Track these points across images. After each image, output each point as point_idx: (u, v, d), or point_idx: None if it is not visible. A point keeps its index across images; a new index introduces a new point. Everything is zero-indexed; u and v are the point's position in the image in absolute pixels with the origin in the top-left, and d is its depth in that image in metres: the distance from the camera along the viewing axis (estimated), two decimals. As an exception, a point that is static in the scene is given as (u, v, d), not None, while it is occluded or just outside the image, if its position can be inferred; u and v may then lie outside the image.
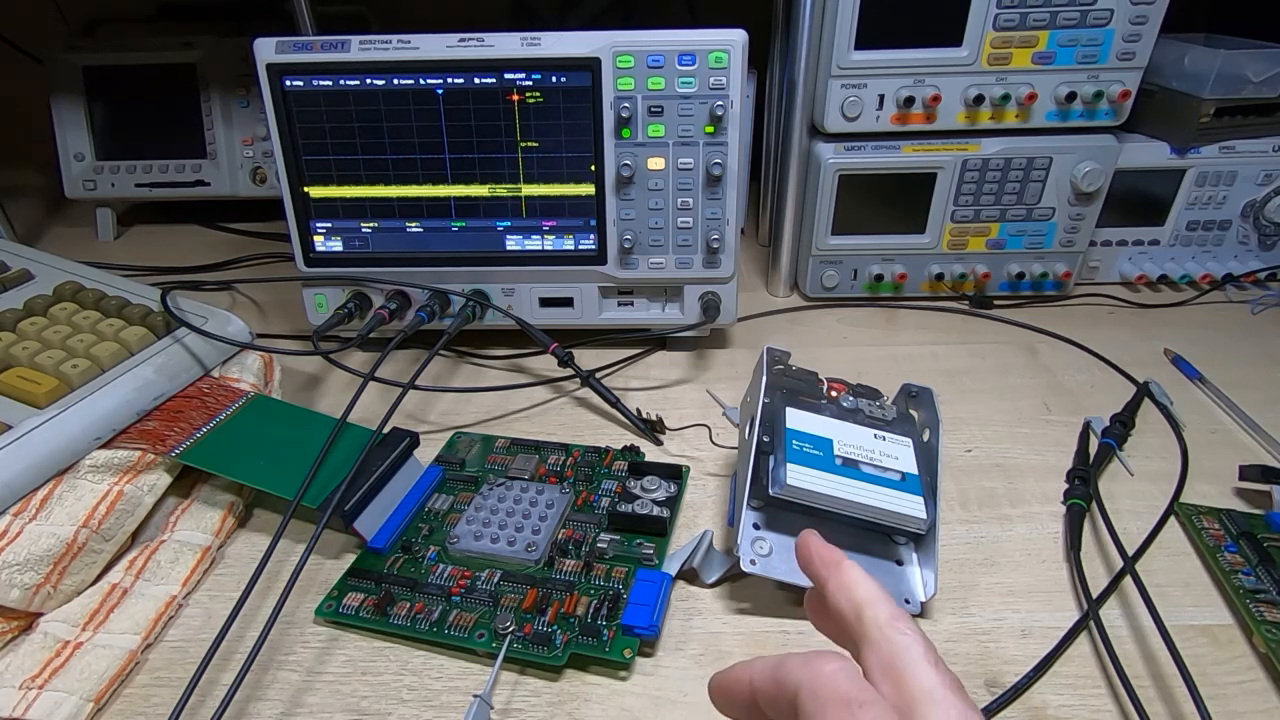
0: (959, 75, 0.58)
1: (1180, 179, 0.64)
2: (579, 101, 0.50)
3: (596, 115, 0.50)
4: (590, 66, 0.49)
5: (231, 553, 0.41)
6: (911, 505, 0.36)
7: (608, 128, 0.51)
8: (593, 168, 0.52)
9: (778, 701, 0.20)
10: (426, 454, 0.46)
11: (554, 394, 0.54)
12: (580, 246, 0.54)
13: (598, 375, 0.52)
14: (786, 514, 0.38)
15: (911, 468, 0.38)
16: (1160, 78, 0.62)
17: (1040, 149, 0.60)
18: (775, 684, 0.21)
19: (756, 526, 0.38)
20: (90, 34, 0.86)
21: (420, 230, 0.54)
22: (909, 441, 0.39)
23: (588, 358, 0.56)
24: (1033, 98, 0.58)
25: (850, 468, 0.37)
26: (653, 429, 0.49)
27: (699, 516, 0.43)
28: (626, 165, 0.51)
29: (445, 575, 0.37)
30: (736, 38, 0.49)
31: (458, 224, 0.54)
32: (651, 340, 0.60)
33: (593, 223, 0.54)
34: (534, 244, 0.55)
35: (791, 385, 0.42)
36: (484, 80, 0.50)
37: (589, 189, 0.53)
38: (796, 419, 0.39)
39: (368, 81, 0.50)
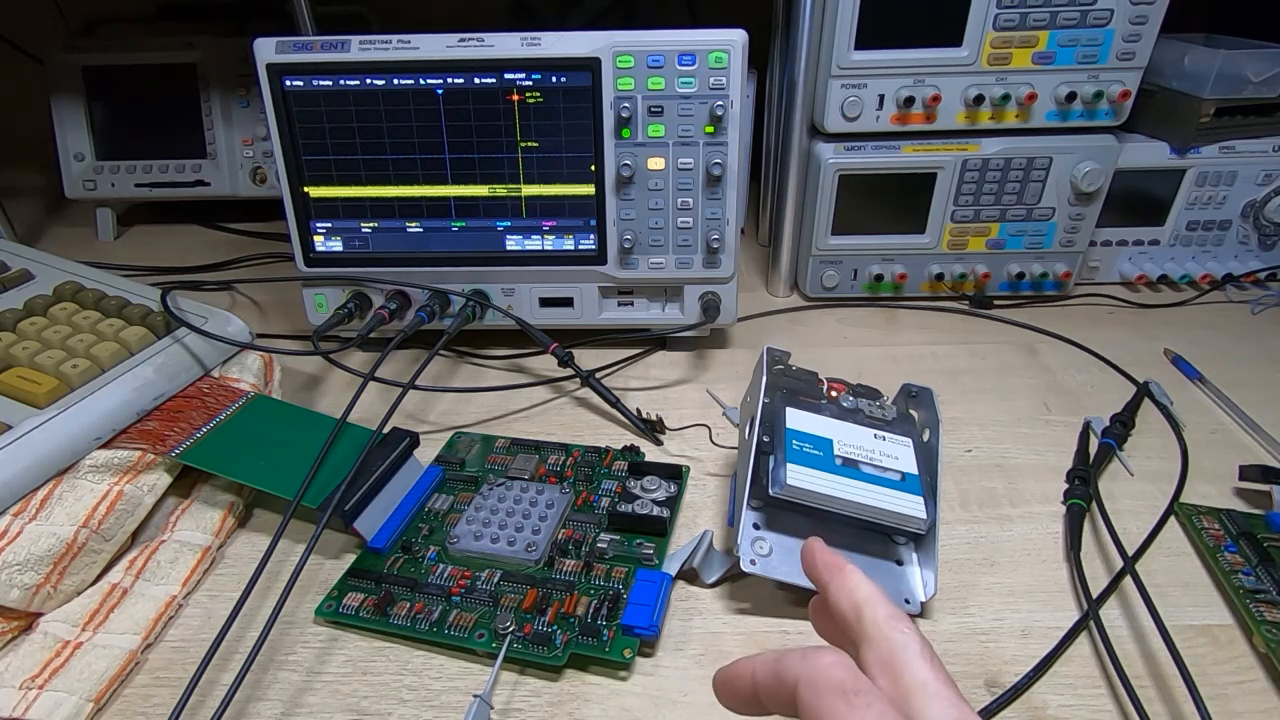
0: (959, 75, 0.58)
1: (1180, 179, 0.64)
2: (579, 101, 0.50)
3: (596, 115, 0.50)
4: (590, 66, 0.49)
5: (231, 553, 0.41)
6: (911, 505, 0.36)
7: (608, 128, 0.51)
8: (593, 168, 0.52)
9: (778, 694, 0.21)
10: (426, 454, 0.46)
11: (554, 394, 0.54)
12: (580, 246, 0.54)
13: (598, 375, 0.52)
14: (786, 514, 0.38)
15: (911, 468, 0.38)
16: (1160, 78, 0.62)
17: (1040, 149, 0.60)
18: (775, 677, 0.21)
19: (756, 526, 0.38)
20: (90, 34, 0.86)
21: (420, 230, 0.54)
22: (909, 441, 0.39)
23: (588, 358, 0.56)
24: (1033, 98, 0.58)
25: (850, 468, 0.37)
26: (653, 429, 0.49)
27: (699, 516, 0.43)
28: (626, 165, 0.51)
29: (445, 575, 0.37)
30: (736, 38, 0.49)
31: (458, 224, 0.54)
32: (651, 340, 0.60)
33: (593, 223, 0.54)
34: (534, 244, 0.55)
35: (791, 385, 0.42)
36: (484, 80, 0.50)
37: (589, 189, 0.53)
38: (796, 419, 0.39)
39: (368, 81, 0.50)
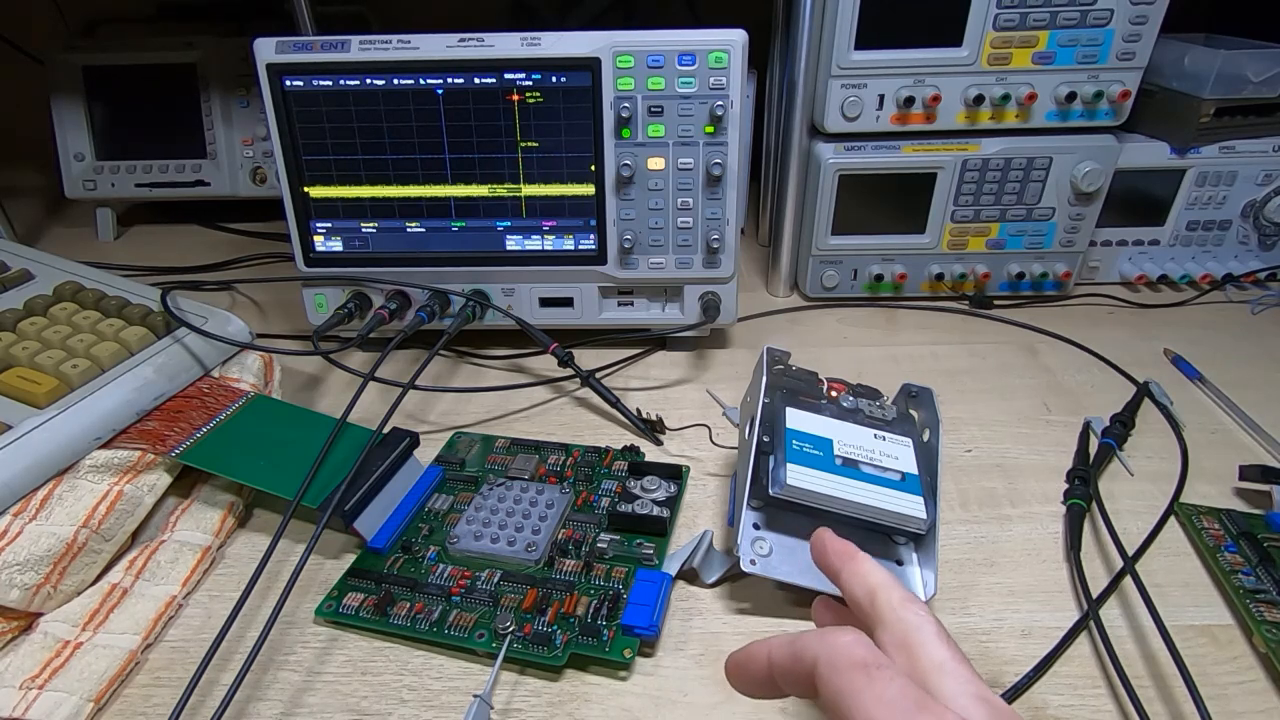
0: (959, 75, 0.58)
1: (1180, 179, 0.64)
2: (579, 101, 0.50)
3: (596, 115, 0.50)
4: (590, 66, 0.49)
5: (231, 553, 0.41)
6: (911, 505, 0.36)
7: (608, 128, 0.51)
8: (593, 168, 0.52)
9: (795, 674, 0.21)
10: (426, 454, 0.46)
11: (554, 394, 0.54)
12: (580, 246, 0.54)
13: (598, 375, 0.52)
14: (786, 514, 0.38)
15: (911, 468, 0.38)
16: (1160, 78, 0.62)
17: (1040, 149, 0.60)
18: (793, 657, 0.21)
19: (756, 526, 0.38)
20: (90, 34, 0.86)
21: (420, 230, 0.54)
22: (909, 441, 0.39)
23: (588, 358, 0.56)
24: (1033, 98, 0.58)
25: (850, 468, 0.37)
26: (653, 429, 0.49)
27: (699, 516, 0.43)
28: (626, 165, 0.51)
29: (445, 575, 0.37)
30: (736, 38, 0.49)
31: (458, 224, 0.54)
32: (651, 340, 0.60)
33: (593, 223, 0.54)
34: (534, 244, 0.54)
35: (791, 385, 0.41)
36: (484, 80, 0.50)
37: (589, 189, 0.53)
38: (796, 419, 0.39)
39: (368, 81, 0.50)
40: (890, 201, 0.63)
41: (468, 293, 0.55)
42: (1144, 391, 0.52)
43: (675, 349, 0.60)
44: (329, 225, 0.54)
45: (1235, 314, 0.64)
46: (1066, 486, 0.44)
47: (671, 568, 0.37)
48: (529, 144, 0.52)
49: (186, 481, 0.42)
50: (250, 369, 0.48)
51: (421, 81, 0.50)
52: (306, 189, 0.53)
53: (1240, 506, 0.43)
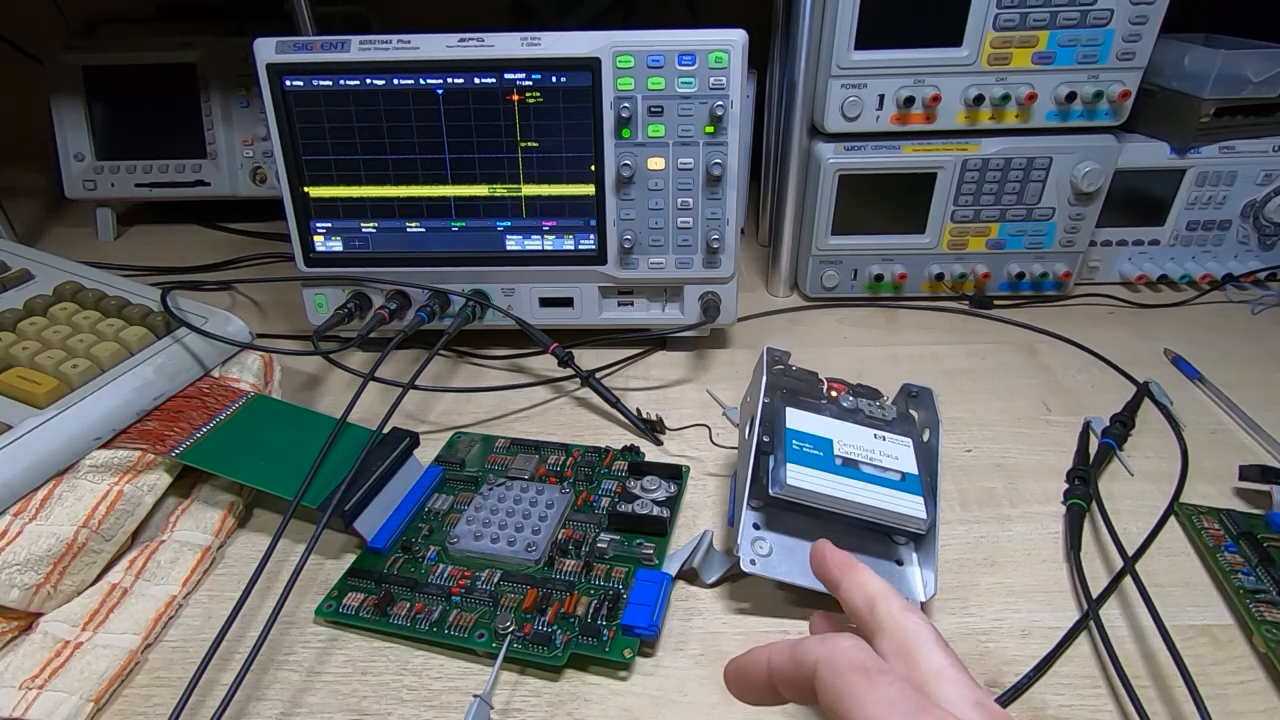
0: (959, 75, 0.58)
1: (1180, 179, 0.64)
2: (579, 101, 0.50)
3: (596, 115, 0.50)
4: (590, 66, 0.49)
5: (231, 553, 0.41)
6: (911, 505, 0.36)
7: (608, 128, 0.51)
8: (593, 168, 0.52)
9: (795, 679, 0.22)
10: (426, 454, 0.46)
11: (554, 394, 0.54)
12: (580, 246, 0.54)
13: (598, 375, 0.52)
14: (786, 514, 0.38)
15: (911, 468, 0.38)
16: (1160, 78, 0.62)
17: (1040, 149, 0.60)
18: (793, 662, 0.22)
19: (756, 526, 0.38)
20: (90, 34, 0.86)
21: (420, 230, 0.54)
22: (909, 441, 0.39)
23: (588, 358, 0.56)
24: (1033, 98, 0.58)
25: (850, 468, 0.37)
26: (653, 429, 0.49)
27: (699, 516, 0.43)
28: (626, 165, 0.51)
29: (445, 575, 0.37)
30: (736, 38, 0.49)
31: (458, 224, 0.54)
32: (651, 340, 0.60)
33: (593, 223, 0.54)
34: (534, 244, 0.54)
35: (791, 385, 0.41)
36: (484, 80, 0.50)
37: (589, 189, 0.53)
38: (796, 419, 0.39)
39: (368, 81, 0.50)
40: (890, 201, 0.63)
41: (468, 293, 0.55)
42: (1144, 391, 0.52)
43: (675, 349, 0.60)
44: (329, 225, 0.54)
45: (1235, 314, 0.64)
46: (1066, 486, 0.44)
47: (671, 568, 0.37)
48: (529, 144, 0.52)
49: (186, 481, 0.42)
50: (250, 369, 0.48)
51: (421, 81, 0.50)
52: (306, 189, 0.53)
53: (1240, 506, 0.43)
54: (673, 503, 0.42)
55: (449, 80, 0.50)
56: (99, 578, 0.37)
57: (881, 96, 0.59)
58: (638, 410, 0.50)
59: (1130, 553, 0.39)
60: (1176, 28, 0.59)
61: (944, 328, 0.63)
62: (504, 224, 0.54)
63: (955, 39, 0.56)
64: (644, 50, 0.49)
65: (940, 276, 0.65)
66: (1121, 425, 0.48)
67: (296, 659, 0.35)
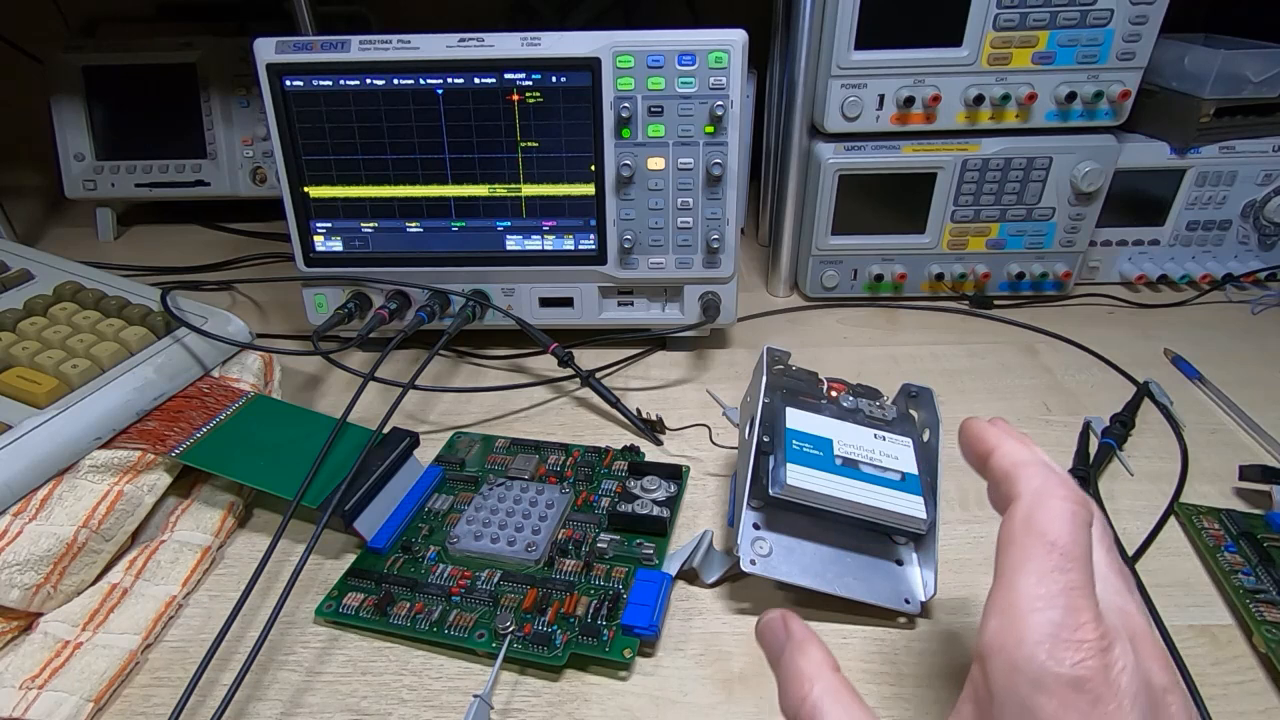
0: (959, 75, 0.58)
1: (1180, 179, 0.64)
2: (579, 101, 0.50)
3: (596, 115, 0.50)
4: (590, 66, 0.49)
5: (231, 553, 0.41)
6: (911, 505, 0.36)
7: (608, 128, 0.51)
8: (593, 168, 0.52)
9: (998, 486, 0.26)
10: (426, 454, 0.46)
11: (554, 394, 0.54)
12: (580, 246, 0.54)
13: (598, 375, 0.52)
14: (786, 514, 0.38)
15: (911, 468, 0.38)
16: (1160, 78, 0.62)
17: (1040, 149, 0.60)
18: (1006, 478, 0.25)
19: (756, 526, 0.37)
20: (90, 34, 0.86)
21: (420, 230, 0.54)
22: (909, 441, 0.39)
23: (588, 358, 0.56)
24: (1033, 98, 0.58)
25: (850, 468, 0.37)
26: (653, 429, 0.49)
27: (699, 516, 0.43)
28: (626, 165, 0.51)
29: (445, 575, 0.37)
30: (736, 38, 0.49)
31: (458, 224, 0.54)
32: (651, 340, 0.60)
33: (593, 223, 0.54)
34: (534, 244, 0.55)
35: (791, 385, 0.41)
36: (484, 80, 0.50)
37: (589, 189, 0.53)
38: (796, 419, 0.39)
39: (368, 81, 0.50)
40: (890, 201, 0.63)
41: (468, 293, 0.55)
42: (1144, 391, 0.52)
43: (675, 349, 0.60)
44: (329, 225, 0.54)
45: (1235, 314, 0.64)
46: (1066, 486, 0.44)
47: (671, 568, 0.37)
48: (529, 144, 0.52)
49: (186, 481, 0.42)
50: (250, 369, 0.48)
51: (421, 81, 0.50)
52: (306, 189, 0.53)
53: (1240, 506, 0.43)
54: (673, 503, 0.42)
55: (449, 80, 0.50)
56: (99, 578, 0.37)
57: (881, 96, 0.59)
58: (638, 410, 0.50)
59: (1130, 553, 0.39)
60: (1176, 28, 0.59)
61: (944, 328, 0.63)
62: (504, 224, 0.54)
63: (955, 39, 0.56)
64: (644, 50, 0.49)
65: (940, 276, 0.65)
66: (1121, 425, 0.48)
67: (296, 659, 0.35)
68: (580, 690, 0.33)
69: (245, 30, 0.83)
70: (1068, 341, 0.60)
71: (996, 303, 0.66)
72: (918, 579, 0.37)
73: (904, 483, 0.37)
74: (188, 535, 0.39)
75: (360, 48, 0.49)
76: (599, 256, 0.55)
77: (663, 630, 0.36)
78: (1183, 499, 0.43)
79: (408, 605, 0.36)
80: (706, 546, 0.38)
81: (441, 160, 0.52)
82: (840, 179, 0.61)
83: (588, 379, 0.52)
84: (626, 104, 0.50)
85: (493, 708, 0.32)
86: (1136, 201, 0.65)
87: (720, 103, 0.50)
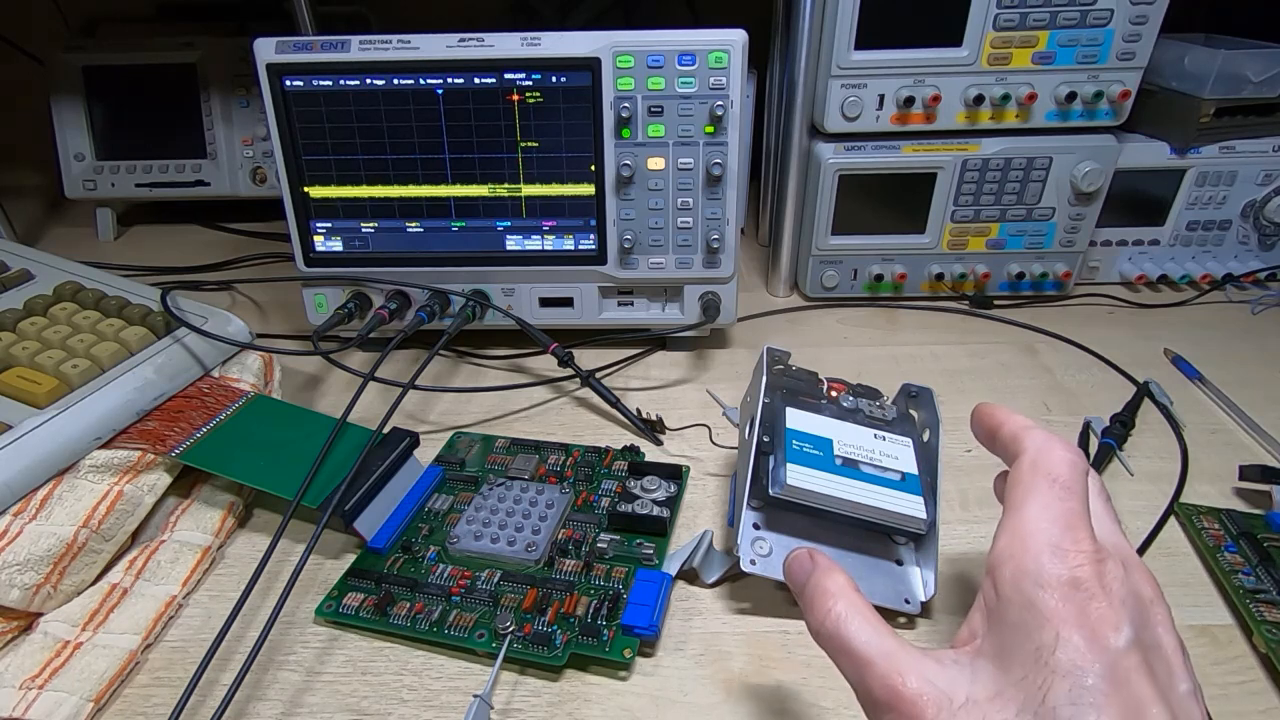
0: (959, 75, 0.58)
1: (1180, 179, 0.64)
2: (579, 101, 0.50)
3: (596, 115, 0.50)
4: (590, 66, 0.49)
5: (231, 553, 0.41)
6: (911, 505, 0.36)
7: (608, 128, 0.51)
8: (593, 168, 0.52)
9: (1006, 448, 0.28)
10: (426, 454, 0.46)
11: (554, 394, 0.54)
12: (580, 246, 0.54)
13: (598, 375, 0.52)
14: (786, 514, 0.38)
15: (911, 468, 0.38)
16: (1160, 78, 0.62)
17: (1040, 149, 0.60)
18: (1011, 443, 0.28)
19: (756, 526, 0.37)
20: (90, 34, 0.86)
21: (420, 230, 0.54)
22: (909, 441, 0.39)
23: (588, 358, 0.56)
24: (1033, 98, 0.58)
25: (850, 468, 0.37)
26: (653, 429, 0.49)
27: (699, 516, 0.43)
28: (626, 165, 0.51)
29: (445, 575, 0.37)
30: (736, 38, 0.49)
31: (458, 224, 0.54)
32: (651, 340, 0.60)
33: (593, 223, 0.54)
34: (534, 244, 0.55)
35: (791, 385, 0.41)
36: (484, 80, 0.50)
37: (589, 189, 0.53)
38: (796, 419, 0.39)
39: (368, 81, 0.50)
40: (890, 201, 0.63)
41: (468, 293, 0.55)
42: (1144, 391, 0.52)
43: (675, 349, 0.60)
44: (329, 225, 0.54)
45: (1235, 314, 0.64)
46: (1066, 486, 0.44)
47: (671, 568, 0.37)
48: (529, 144, 0.52)
49: (186, 481, 0.42)
50: (250, 369, 0.48)
51: (421, 81, 0.50)
52: (306, 189, 0.53)
53: (1240, 506, 0.43)
54: (673, 503, 0.42)
55: (449, 80, 0.50)
56: (99, 578, 0.37)
57: (881, 96, 0.59)
58: (638, 410, 0.50)
59: (1130, 553, 0.39)
60: (1176, 28, 0.59)
61: (944, 328, 0.63)
62: (504, 224, 0.54)
63: (955, 39, 0.56)
64: (644, 50, 0.49)
65: (940, 276, 0.65)
66: (1121, 425, 0.48)
67: (296, 659, 0.35)
68: (580, 690, 0.33)
69: (245, 30, 0.83)
70: (1068, 341, 0.60)
71: (996, 303, 0.66)
72: (918, 579, 0.37)
73: (904, 483, 0.37)
74: (188, 535, 0.39)
75: (360, 48, 0.49)
76: (599, 256, 0.55)
77: (663, 630, 0.36)
78: (1183, 499, 0.43)
79: (408, 605, 0.36)
80: (706, 546, 0.38)
81: (441, 160, 0.52)
82: (840, 179, 0.61)
83: (588, 379, 0.52)
84: (626, 104, 0.50)
85: (493, 708, 0.32)
86: (1136, 201, 0.65)
87: (720, 103, 0.50)
